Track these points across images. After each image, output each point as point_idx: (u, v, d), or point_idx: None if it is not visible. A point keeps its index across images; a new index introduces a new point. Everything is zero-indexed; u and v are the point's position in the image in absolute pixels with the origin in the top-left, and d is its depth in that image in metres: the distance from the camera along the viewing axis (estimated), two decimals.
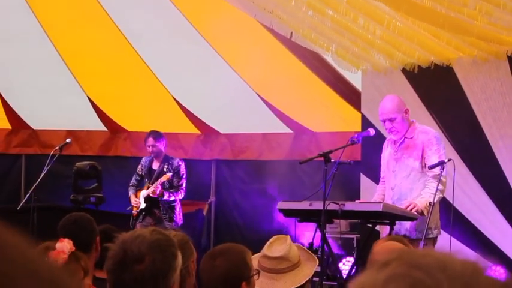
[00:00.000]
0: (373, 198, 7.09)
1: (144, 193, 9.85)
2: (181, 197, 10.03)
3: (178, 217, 9.99)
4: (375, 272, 1.03)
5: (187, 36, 10.76)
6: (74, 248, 3.34)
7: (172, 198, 9.87)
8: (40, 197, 9.35)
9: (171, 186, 9.95)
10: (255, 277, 3.61)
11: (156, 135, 10.16)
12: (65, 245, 3.27)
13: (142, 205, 9.79)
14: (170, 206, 9.90)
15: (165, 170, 9.92)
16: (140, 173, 10.21)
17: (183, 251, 3.41)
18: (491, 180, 8.64)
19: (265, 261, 3.87)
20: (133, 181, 10.25)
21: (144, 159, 10.31)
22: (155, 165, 10.13)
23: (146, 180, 10.07)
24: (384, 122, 6.72)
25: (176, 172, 10.00)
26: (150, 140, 10.07)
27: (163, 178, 9.75)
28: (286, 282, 3.92)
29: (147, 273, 2.61)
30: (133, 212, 9.86)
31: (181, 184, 10.02)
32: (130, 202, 10.07)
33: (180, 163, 10.13)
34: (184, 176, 10.11)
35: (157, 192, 9.73)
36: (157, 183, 9.75)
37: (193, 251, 3.47)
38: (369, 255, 4.09)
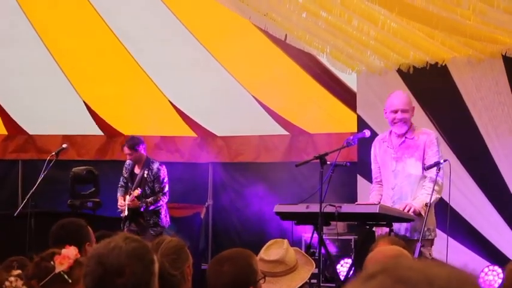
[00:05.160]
0: (370, 198, 7.08)
1: (127, 200, 9.73)
2: (165, 201, 9.90)
3: (164, 220, 9.84)
4: (360, 284, 1.02)
5: (182, 39, 10.76)
6: (79, 255, 3.35)
7: (154, 207, 9.76)
8: (37, 203, 9.34)
9: (153, 192, 9.80)
10: (261, 281, 3.63)
11: (132, 143, 9.90)
12: (70, 251, 3.30)
13: (126, 212, 9.67)
14: (154, 211, 9.77)
15: (145, 176, 9.74)
16: (125, 175, 10.10)
17: (179, 256, 3.42)
18: (487, 179, 8.65)
19: (262, 264, 3.88)
20: (121, 182, 10.13)
21: (127, 162, 10.13)
22: (137, 170, 9.96)
23: (130, 184, 9.95)
24: (395, 112, 6.71)
25: (156, 178, 9.80)
26: (126, 150, 9.88)
27: (134, 193, 9.61)
28: (282, 286, 3.92)
29: (130, 285, 2.54)
30: (122, 215, 9.78)
31: (163, 189, 9.83)
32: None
33: (160, 167, 9.88)
34: (166, 180, 9.88)
35: (137, 204, 9.61)
36: (131, 197, 9.63)
37: (189, 256, 3.46)
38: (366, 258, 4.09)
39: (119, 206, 9.84)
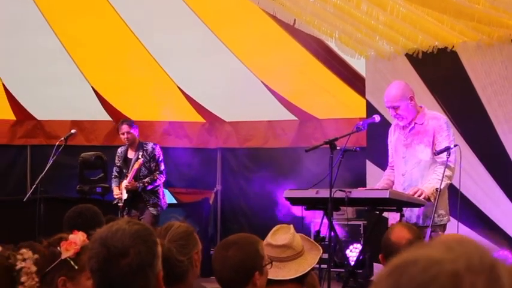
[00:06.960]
0: (378, 183, 7.05)
1: (124, 184, 9.74)
2: (163, 181, 9.87)
3: (163, 201, 9.84)
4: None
5: (190, 25, 10.74)
6: (87, 241, 3.34)
7: (152, 187, 9.74)
8: (46, 188, 9.34)
9: (150, 172, 9.77)
10: (268, 266, 3.63)
11: (130, 122, 9.99)
12: (78, 237, 3.29)
13: (125, 195, 9.64)
14: (153, 191, 9.75)
15: (140, 157, 9.69)
16: (118, 164, 10.03)
17: (187, 242, 3.40)
18: (496, 165, 8.62)
19: (269, 249, 3.87)
20: (114, 173, 10.08)
21: (119, 149, 10.10)
22: (130, 154, 9.93)
23: (124, 170, 9.89)
24: (389, 108, 6.69)
25: (152, 157, 9.78)
26: (125, 127, 9.82)
27: (136, 165, 9.58)
28: (290, 270, 3.91)
29: (135, 266, 2.55)
30: (119, 204, 9.73)
31: (160, 167, 9.82)
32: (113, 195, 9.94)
33: (154, 146, 9.88)
34: (161, 159, 9.86)
35: (134, 185, 9.60)
36: (132, 173, 9.60)
37: (197, 241, 3.45)
38: (382, 242, 4.06)
39: (114, 196, 9.78)
